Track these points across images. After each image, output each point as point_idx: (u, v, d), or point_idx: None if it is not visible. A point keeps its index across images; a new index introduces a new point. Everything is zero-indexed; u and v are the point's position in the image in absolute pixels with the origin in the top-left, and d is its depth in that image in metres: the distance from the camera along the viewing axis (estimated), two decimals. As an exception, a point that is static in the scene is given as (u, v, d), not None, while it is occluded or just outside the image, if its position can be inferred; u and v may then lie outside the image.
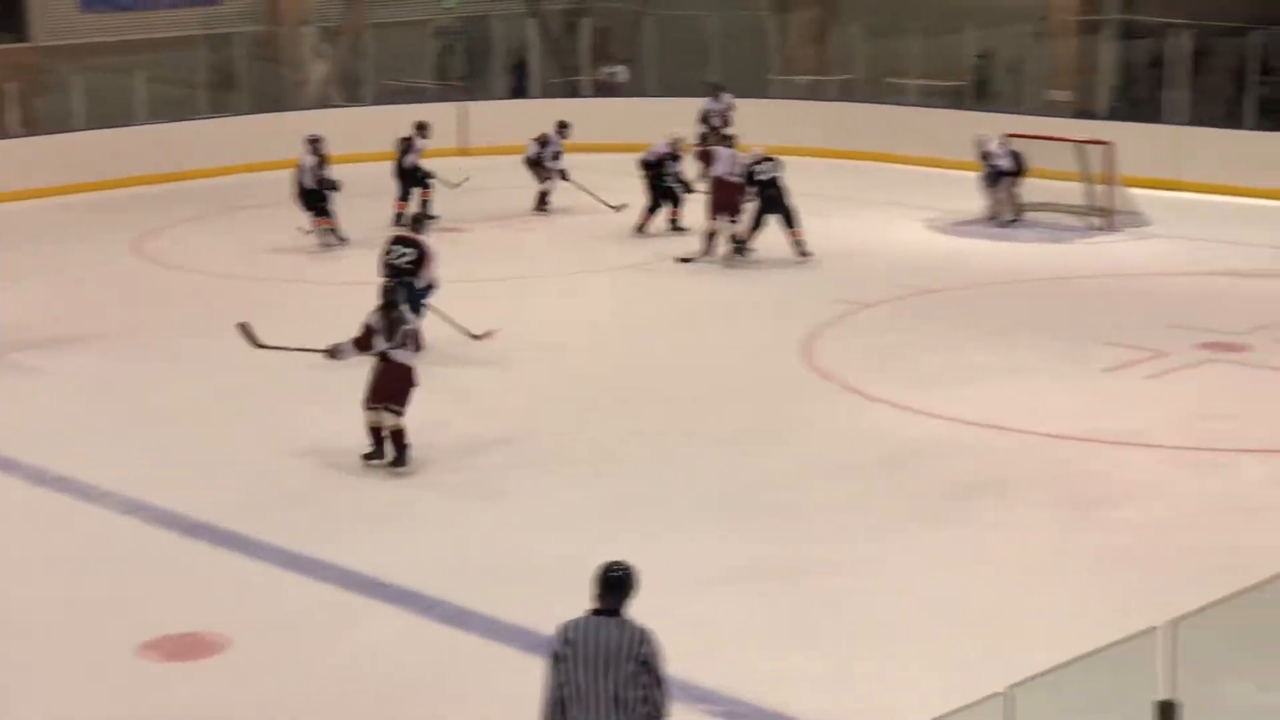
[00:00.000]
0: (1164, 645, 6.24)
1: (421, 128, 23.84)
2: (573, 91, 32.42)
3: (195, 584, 11.45)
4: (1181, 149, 24.98)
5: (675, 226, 22.54)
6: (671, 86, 30.58)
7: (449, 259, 17.41)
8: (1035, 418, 14.52)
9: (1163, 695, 6.24)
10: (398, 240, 16.55)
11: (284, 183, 22.30)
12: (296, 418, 14.93)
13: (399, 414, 13.27)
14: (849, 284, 19.66)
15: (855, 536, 12.02)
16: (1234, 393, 15.23)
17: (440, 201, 23.51)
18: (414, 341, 13.34)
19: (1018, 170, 22.86)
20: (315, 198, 21.62)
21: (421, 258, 16.22)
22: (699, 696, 9.48)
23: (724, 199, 20.75)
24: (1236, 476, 13.17)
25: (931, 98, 28.98)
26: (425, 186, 23.52)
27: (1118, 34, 29.22)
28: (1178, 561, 11.44)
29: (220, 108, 29.91)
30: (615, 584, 7.38)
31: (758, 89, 30.92)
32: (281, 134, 27.01)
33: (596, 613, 7.38)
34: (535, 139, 24.60)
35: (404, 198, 23.45)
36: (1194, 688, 6.43)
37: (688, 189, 22.57)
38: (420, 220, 17.10)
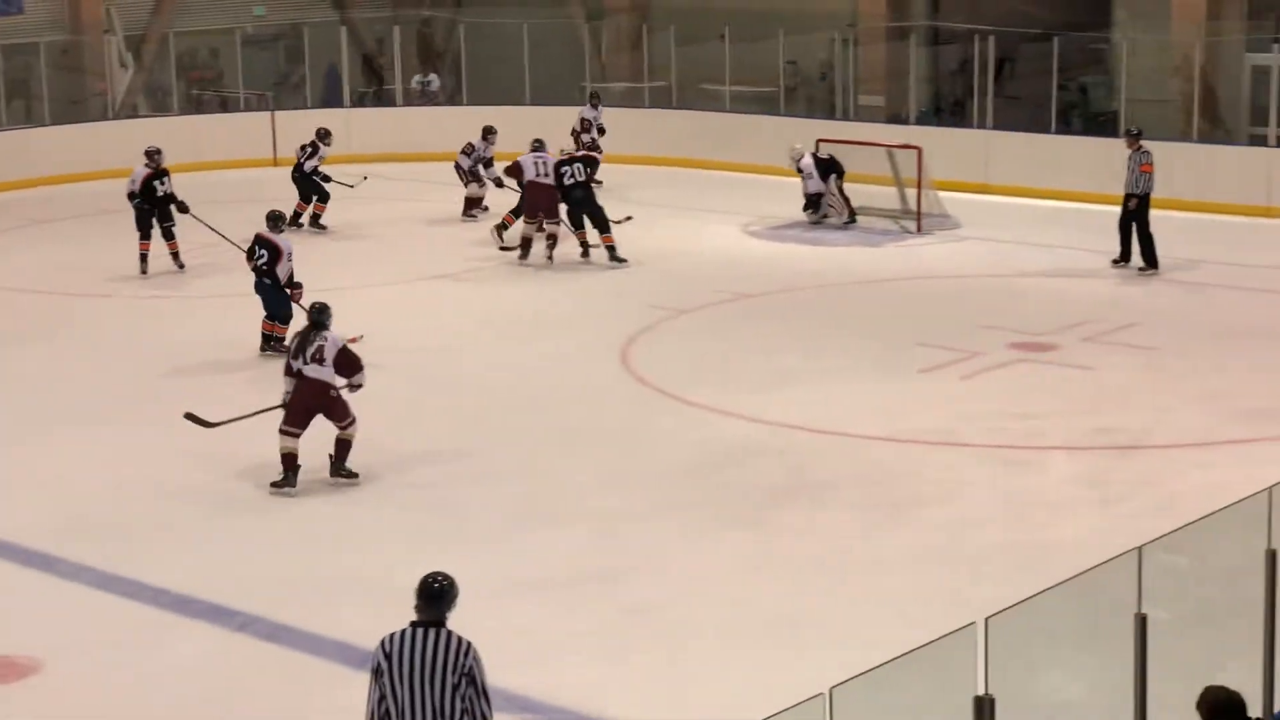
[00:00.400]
0: (980, 642, 6.31)
1: (322, 135, 23.84)
2: (386, 100, 32.19)
3: (4, 607, 11.16)
4: (989, 153, 25.46)
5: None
6: (485, 95, 30.50)
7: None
8: (848, 420, 14.67)
9: (980, 691, 6.31)
10: (256, 240, 16.84)
11: (87, 196, 21.84)
12: (108, 436, 14.61)
13: (343, 428, 13.10)
14: (665, 289, 19.73)
15: (672, 542, 12.05)
16: (1042, 391, 15.53)
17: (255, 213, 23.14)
18: (328, 356, 13.07)
19: (839, 174, 23.17)
20: (162, 216, 20.91)
21: (275, 257, 16.59)
22: (521, 706, 9.45)
23: (536, 202, 20.87)
24: (1043, 474, 13.42)
25: (745, 104, 29.21)
26: (321, 196, 23.63)
27: (926, 40, 29.69)
28: (987, 559, 11.62)
29: (19, 119, 29.21)
30: (436, 595, 7.32)
31: (573, 97, 30.94)
32: (84, 145, 26.46)
33: (417, 625, 7.30)
34: (463, 149, 24.33)
35: (304, 199, 23.71)
36: (1009, 683, 6.52)
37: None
38: (278, 219, 17.11)
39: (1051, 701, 7.54)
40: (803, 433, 14.42)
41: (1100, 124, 27.44)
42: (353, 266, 21.35)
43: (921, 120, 27.95)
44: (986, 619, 6.39)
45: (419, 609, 7.33)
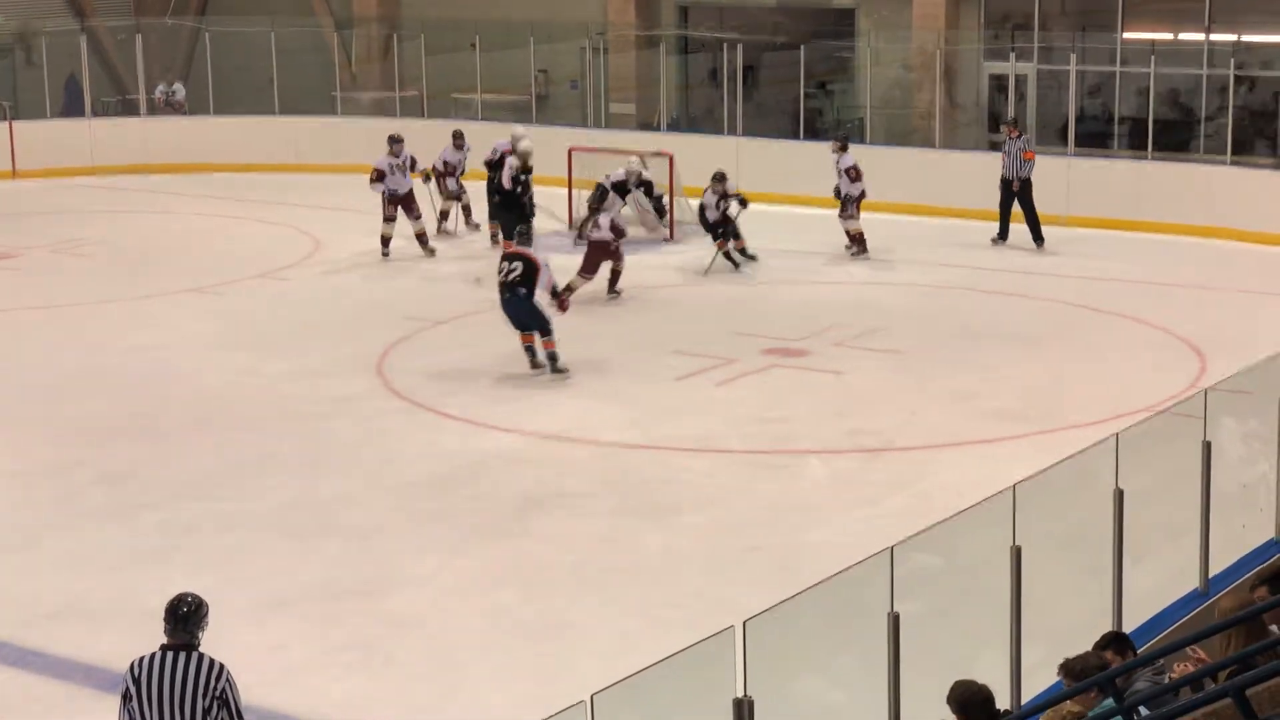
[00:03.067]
0: (739, 644, 6.37)
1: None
2: (129, 110, 31.48)
3: None
4: (739, 160, 25.75)
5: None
6: (232, 104, 30.02)
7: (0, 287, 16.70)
8: (604, 428, 14.73)
9: (739, 693, 6.37)
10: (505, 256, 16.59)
11: None
12: None
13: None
14: (421, 301, 19.61)
15: (425, 553, 11.98)
16: (796, 396, 15.76)
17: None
18: None
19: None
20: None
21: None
22: (277, 724, 9.31)
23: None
24: (798, 476, 13.62)
25: (496, 112, 29.18)
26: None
27: (675, 48, 29.97)
28: (744, 562, 11.76)
29: None
30: (185, 618, 7.19)
31: (323, 106, 30.62)
32: None
33: (167, 648, 7.16)
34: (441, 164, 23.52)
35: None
36: (768, 684, 6.59)
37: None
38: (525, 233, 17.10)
39: (810, 701, 7.64)
40: (558, 442, 14.44)
41: (847, 131, 27.99)
42: (102, 281, 20.84)
43: (672, 127, 28.20)
44: (744, 622, 6.46)
45: (168, 631, 7.19)
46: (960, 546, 8.45)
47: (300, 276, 21.01)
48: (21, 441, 14.55)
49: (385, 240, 22.01)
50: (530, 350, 16.38)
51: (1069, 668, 7.38)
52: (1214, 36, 25.56)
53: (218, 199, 26.17)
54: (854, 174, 21.87)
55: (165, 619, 7.21)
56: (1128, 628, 8.78)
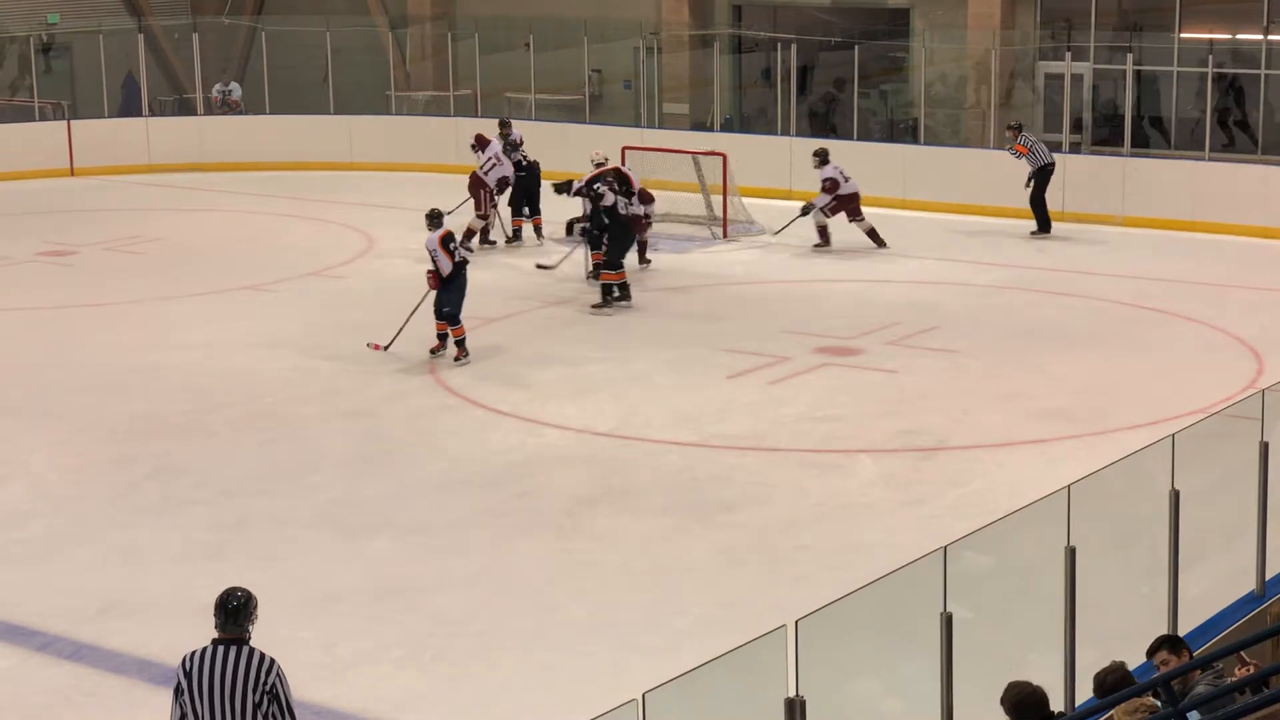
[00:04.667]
0: (790, 644, 6.35)
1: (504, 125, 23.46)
2: (185, 109, 31.67)
3: None
4: (793, 160, 25.69)
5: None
6: (287, 103, 30.16)
7: (57, 283, 16.79)
8: (655, 426, 14.72)
9: (791, 693, 6.35)
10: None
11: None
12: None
13: None
14: (472, 298, 19.60)
15: (478, 550, 11.99)
16: (848, 395, 15.71)
17: (51, 223, 22.66)
18: None
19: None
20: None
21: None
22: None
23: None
24: (850, 476, 13.57)
25: (550, 111, 29.21)
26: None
27: (729, 48, 29.93)
28: (795, 561, 11.73)
29: None
30: (235, 611, 7.24)
31: (378, 105, 30.73)
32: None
33: (218, 642, 7.19)
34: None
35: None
36: (819, 684, 6.57)
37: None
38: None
39: (862, 702, 7.61)
40: (610, 440, 14.43)
41: (900, 131, 27.92)
42: (157, 279, 20.96)
43: (725, 127, 28.16)
44: (796, 621, 6.44)
45: (219, 625, 7.24)
46: (1013, 547, 8.41)
47: (354, 274, 21.09)
48: (76, 438, 14.64)
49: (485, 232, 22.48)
50: (446, 341, 16.93)
51: (1100, 680, 7.32)
52: (1272, 36, 25.33)
53: (272, 198, 26.30)
54: (827, 185, 22.30)
55: (215, 613, 7.25)
56: (1182, 630, 8.71)
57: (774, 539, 12.19)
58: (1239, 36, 26.08)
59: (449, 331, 16.83)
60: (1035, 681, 7.03)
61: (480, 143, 22.42)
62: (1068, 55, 26.01)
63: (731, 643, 6.33)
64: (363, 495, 13.15)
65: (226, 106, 30.96)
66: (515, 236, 22.79)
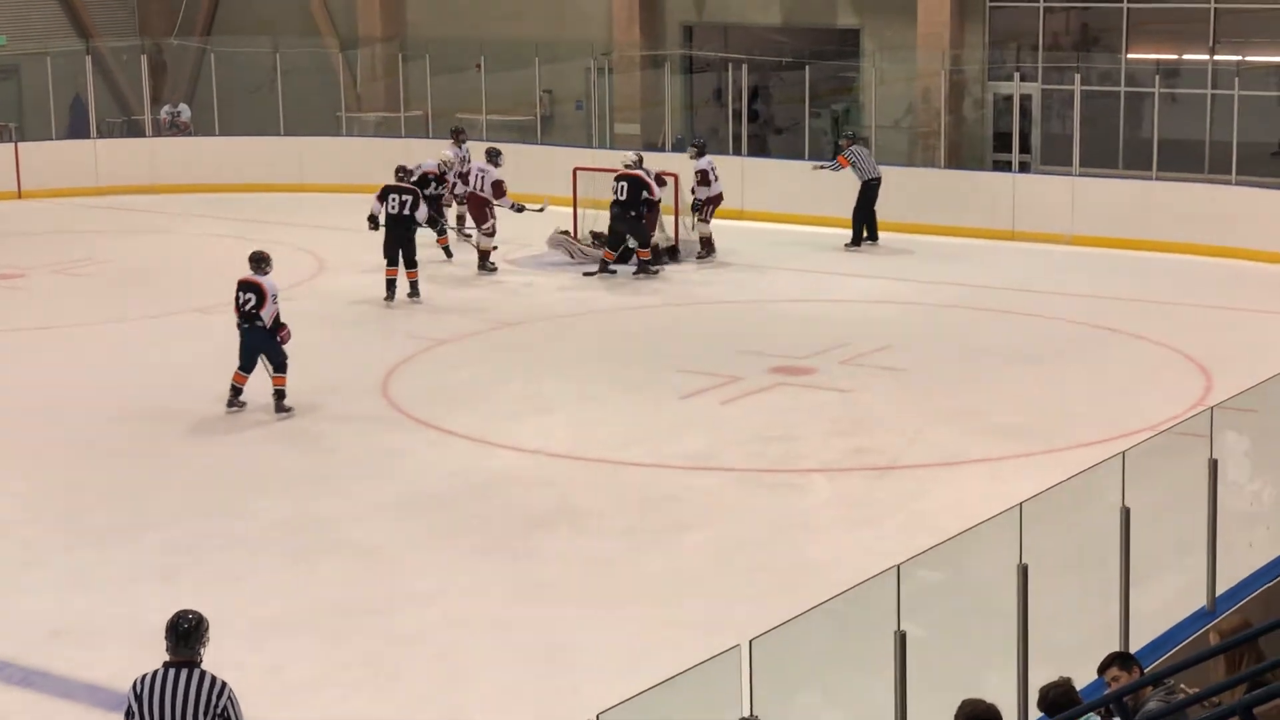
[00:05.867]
0: (745, 664, 6.36)
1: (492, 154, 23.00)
2: (134, 130, 31.52)
3: None
4: (745, 180, 25.76)
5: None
6: (237, 125, 30.05)
7: (5, 307, 16.65)
8: (608, 446, 14.72)
9: (746, 713, 6.35)
10: (240, 285, 15.79)
11: None
12: None
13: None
14: (425, 320, 19.61)
15: (429, 571, 11.96)
16: (801, 414, 15.73)
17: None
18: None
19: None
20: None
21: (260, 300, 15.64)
22: (282, 745, 9.28)
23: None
24: (803, 495, 13.60)
25: (502, 132, 29.21)
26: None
27: (680, 69, 30.00)
28: (749, 581, 11.73)
29: None
30: (186, 634, 7.24)
31: (328, 127, 30.67)
32: None
33: (169, 665, 7.17)
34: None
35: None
36: (773, 703, 6.58)
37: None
38: (261, 260, 15.85)
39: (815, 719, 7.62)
40: (564, 460, 14.42)
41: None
42: (105, 302, 20.84)
43: (677, 148, 28.21)
44: (750, 641, 6.44)
45: (170, 649, 7.22)
46: (966, 565, 8.43)
47: (305, 296, 20.99)
48: (24, 461, 14.54)
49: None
50: (235, 390, 15.69)
51: (1044, 695, 7.34)
52: (1218, 57, 25.55)
53: (222, 219, 26.20)
54: (699, 178, 22.72)
55: (166, 636, 7.23)
56: (1134, 646, 8.75)
57: (728, 558, 12.19)
58: (1185, 57, 26.28)
59: (273, 380, 15.66)
60: (989, 699, 7.04)
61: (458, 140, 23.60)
62: (1016, 75, 26.17)
63: (686, 662, 6.33)
64: (314, 517, 13.09)
65: (175, 128, 30.82)
66: (446, 229, 23.06)
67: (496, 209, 22.36)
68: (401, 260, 20.21)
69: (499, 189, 22.29)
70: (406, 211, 20.22)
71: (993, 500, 10.94)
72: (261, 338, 15.56)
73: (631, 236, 22.08)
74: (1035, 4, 26.90)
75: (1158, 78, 24.78)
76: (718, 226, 23.42)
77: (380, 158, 28.58)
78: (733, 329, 19.25)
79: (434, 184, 23.01)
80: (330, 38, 33.02)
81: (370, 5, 32.35)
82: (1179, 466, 10.17)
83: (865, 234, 23.83)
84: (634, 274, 21.89)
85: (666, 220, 23.65)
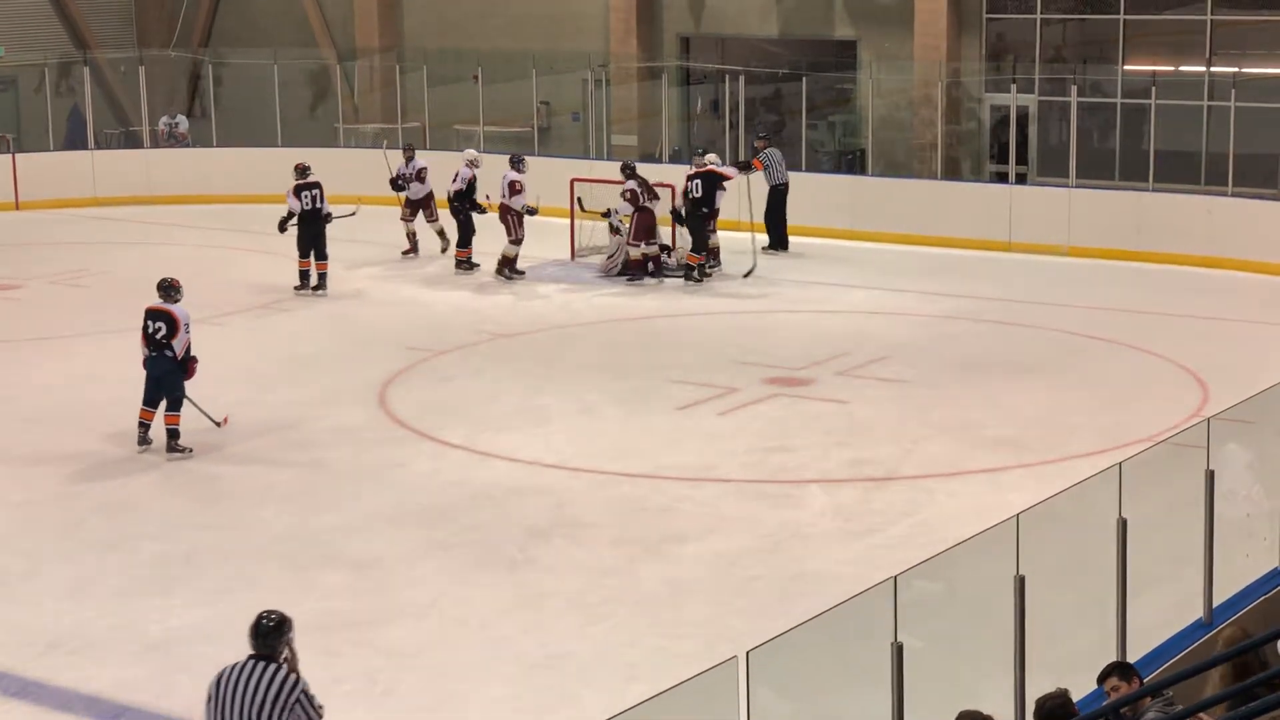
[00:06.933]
0: (742, 675, 6.35)
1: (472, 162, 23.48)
2: (131, 142, 31.54)
3: None
4: (742, 190, 25.74)
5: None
6: (234, 136, 30.07)
7: (2, 317, 16.68)
8: (605, 457, 14.71)
9: (742, 724, 6.36)
10: (148, 314, 15.08)
11: None
12: None
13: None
14: (421, 331, 19.62)
15: (425, 583, 11.95)
16: (798, 425, 15.74)
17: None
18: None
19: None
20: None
21: (172, 329, 14.85)
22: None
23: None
24: (800, 506, 13.59)
25: (499, 143, 29.22)
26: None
27: (677, 80, 30.03)
28: (746, 592, 11.72)
29: None
30: (266, 633, 7.69)
31: (326, 138, 30.67)
32: None
33: (251, 658, 7.64)
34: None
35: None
36: (770, 715, 6.57)
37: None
38: (170, 288, 15.16)
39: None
40: (560, 471, 14.41)
41: (849, 162, 28.05)
42: (102, 313, 20.83)
43: (674, 159, 28.23)
44: (748, 652, 6.43)
45: (253, 646, 7.65)
46: (963, 576, 8.43)
47: (302, 307, 21.03)
48: (22, 472, 14.54)
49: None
50: (144, 427, 14.90)
51: (1040, 705, 7.34)
52: (1215, 69, 25.59)
53: (220, 230, 26.21)
54: (628, 196, 22.66)
55: (251, 633, 7.66)
56: (1132, 658, 8.75)
57: (725, 570, 12.19)
58: (1182, 68, 26.31)
59: (165, 419, 14.86)
60: (986, 710, 7.04)
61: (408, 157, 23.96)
62: (1013, 87, 26.20)
63: (683, 674, 6.33)
64: (311, 528, 13.09)
65: (173, 139, 30.85)
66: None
67: (525, 220, 22.60)
68: (313, 253, 21.59)
69: (512, 188, 22.44)
70: (318, 205, 21.60)
71: (990, 511, 10.96)
72: (166, 369, 14.75)
73: (693, 236, 22.35)
74: (1032, 16, 26.94)
75: (1154, 89, 24.81)
76: (722, 238, 23.44)
77: (378, 169, 28.62)
78: (729, 340, 19.26)
79: (468, 191, 23.20)
80: (328, 49, 33.05)
81: (368, 16, 32.39)
82: (1176, 478, 10.17)
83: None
84: (683, 279, 22.25)
85: (663, 231, 23.70)
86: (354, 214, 22.96)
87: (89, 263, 23.86)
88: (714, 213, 22.85)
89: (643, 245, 22.42)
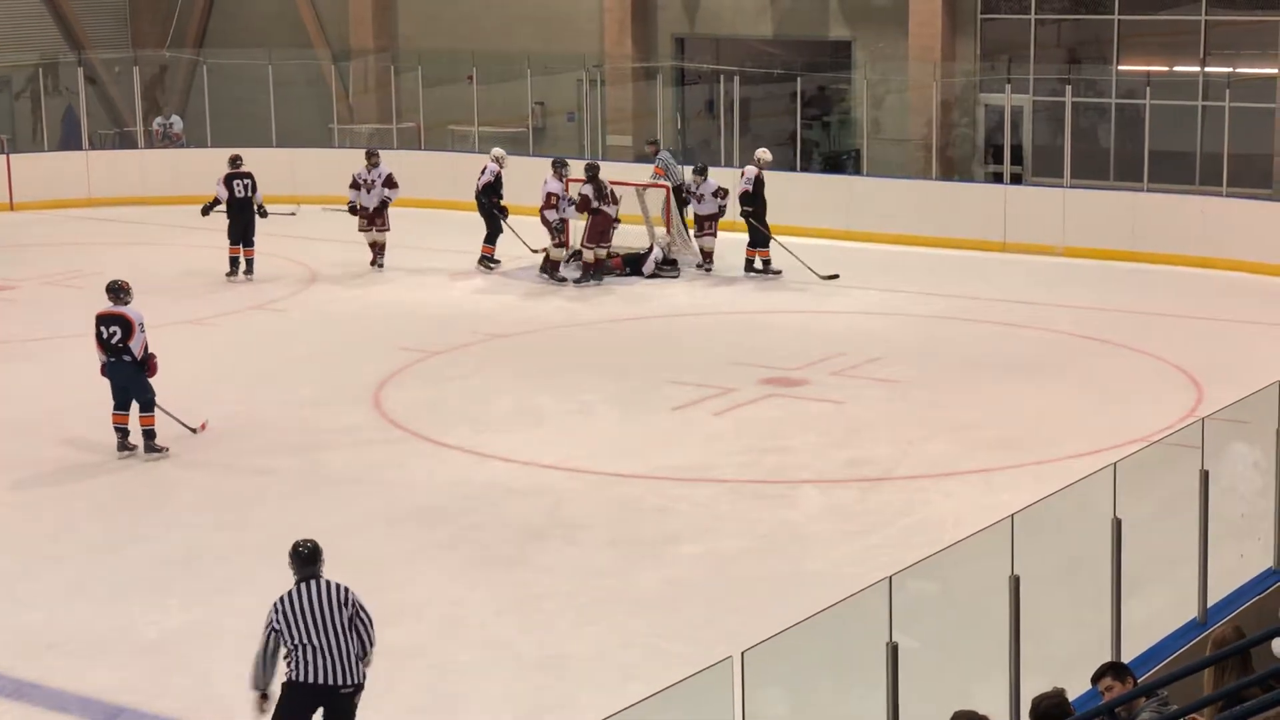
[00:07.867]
0: (737, 675, 6.36)
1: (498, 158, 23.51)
2: (126, 142, 31.52)
3: None
4: (735, 191, 25.74)
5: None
6: (229, 136, 30.05)
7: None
8: (601, 458, 14.73)
9: (738, 724, 6.36)
10: (99, 319, 15.00)
11: None
12: None
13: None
14: (416, 332, 19.61)
15: (422, 583, 11.96)
16: (794, 425, 15.75)
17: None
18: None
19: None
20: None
21: (128, 332, 14.77)
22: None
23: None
24: (796, 506, 13.60)
25: (494, 144, 29.16)
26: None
27: (672, 80, 30.04)
28: (742, 592, 11.74)
29: None
30: (309, 556, 8.82)
31: (320, 138, 30.66)
32: None
33: (300, 581, 8.66)
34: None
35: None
36: (766, 715, 6.58)
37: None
38: (120, 290, 15.06)
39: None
40: (556, 472, 14.43)
41: (842, 163, 28.07)
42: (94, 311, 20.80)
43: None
44: (743, 652, 6.44)
45: (296, 571, 8.73)
46: (958, 576, 8.44)
47: (297, 307, 21.03)
48: (17, 472, 14.53)
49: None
50: (122, 432, 14.77)
51: (1035, 705, 7.35)
52: (1209, 69, 25.61)
53: (214, 231, 26.11)
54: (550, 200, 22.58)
55: (293, 562, 8.80)
56: (1126, 657, 8.77)
57: (721, 570, 12.20)
58: (1176, 69, 26.34)
59: (140, 420, 14.79)
60: (981, 710, 7.06)
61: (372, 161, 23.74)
62: (1007, 87, 26.22)
63: (679, 674, 6.33)
64: (309, 529, 13.02)
65: (168, 139, 30.84)
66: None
67: (571, 223, 22.81)
68: (242, 242, 22.50)
69: (547, 200, 22.43)
70: (249, 195, 22.52)
71: (985, 511, 10.98)
72: (129, 373, 14.64)
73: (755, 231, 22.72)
74: (1027, 16, 26.96)
75: (1149, 90, 24.82)
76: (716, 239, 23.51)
77: (373, 169, 28.61)
78: (725, 340, 19.27)
79: (496, 192, 23.27)
80: (322, 49, 33.03)
81: (362, 17, 32.38)
82: (1170, 477, 10.18)
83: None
84: (752, 272, 22.74)
85: (658, 232, 23.72)
86: (294, 214, 23.19)
87: (83, 264, 23.82)
88: (716, 214, 22.97)
89: (595, 247, 22.37)
